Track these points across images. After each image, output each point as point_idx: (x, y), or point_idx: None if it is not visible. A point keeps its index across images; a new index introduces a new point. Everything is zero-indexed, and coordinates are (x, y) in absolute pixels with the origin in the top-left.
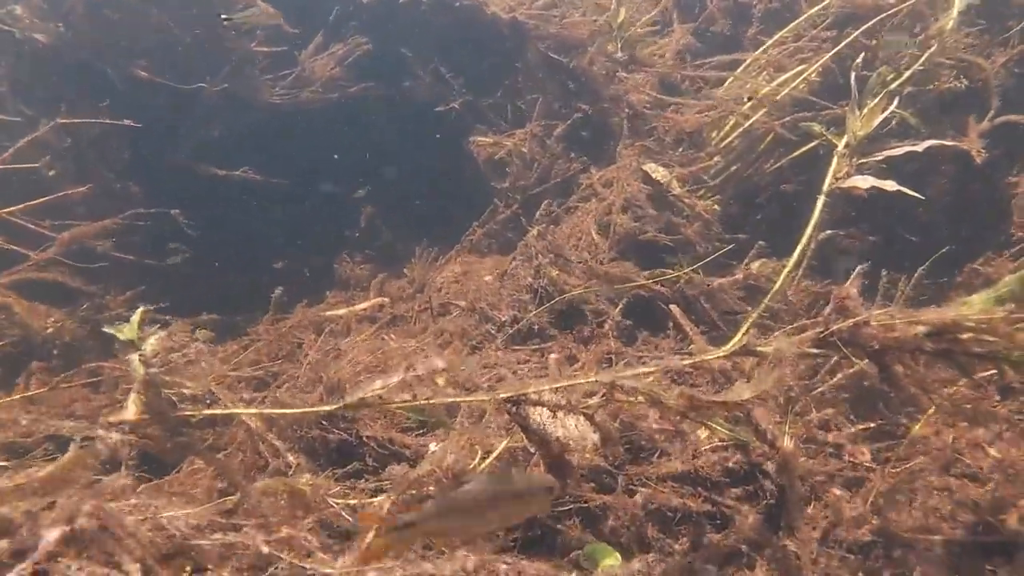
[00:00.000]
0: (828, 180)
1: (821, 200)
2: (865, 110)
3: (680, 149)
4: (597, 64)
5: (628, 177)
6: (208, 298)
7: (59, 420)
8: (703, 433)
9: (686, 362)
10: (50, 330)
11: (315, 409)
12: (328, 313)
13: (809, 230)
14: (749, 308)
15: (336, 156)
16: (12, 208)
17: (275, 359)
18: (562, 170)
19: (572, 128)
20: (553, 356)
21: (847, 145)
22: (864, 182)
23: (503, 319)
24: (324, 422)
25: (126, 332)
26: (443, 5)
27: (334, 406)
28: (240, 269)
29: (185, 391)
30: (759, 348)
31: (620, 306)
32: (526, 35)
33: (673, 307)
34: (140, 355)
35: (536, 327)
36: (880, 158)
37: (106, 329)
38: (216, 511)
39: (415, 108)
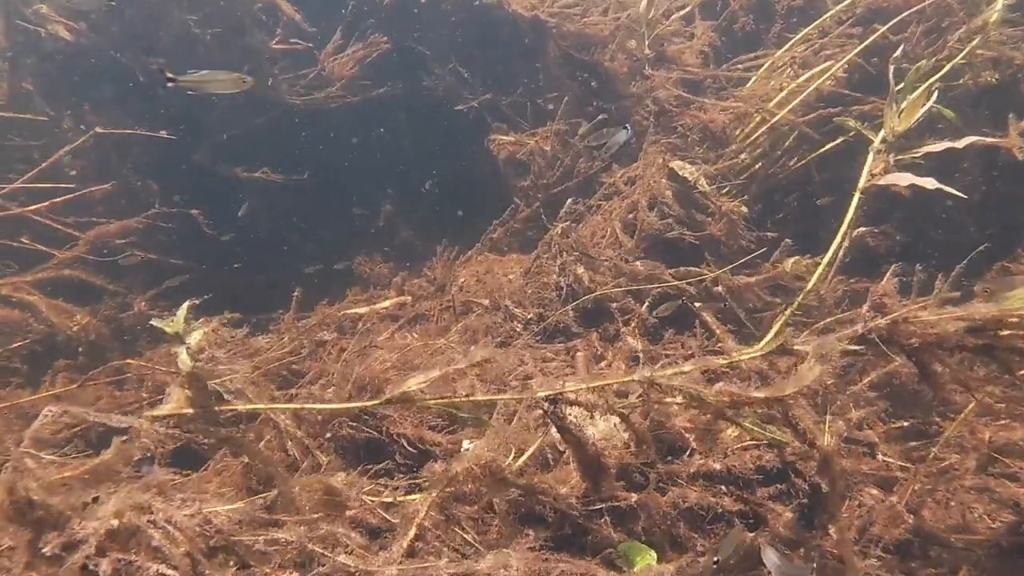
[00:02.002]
0: (864, 177)
1: (856, 197)
2: (904, 104)
3: (705, 146)
4: (618, 61)
5: (654, 174)
6: (230, 297)
7: (102, 413)
8: (733, 432)
9: (722, 361)
10: (75, 328)
11: (350, 405)
12: (349, 311)
13: (844, 227)
14: (779, 300)
15: (355, 155)
16: (36, 206)
17: (298, 357)
18: (584, 168)
19: (595, 126)
20: (580, 354)
21: (883, 141)
22: (903, 180)
23: (528, 317)
24: (354, 420)
25: (173, 325)
26: (463, 3)
27: (375, 402)
28: (260, 268)
29: (226, 385)
30: (797, 346)
31: (646, 304)
32: (547, 33)
33: (700, 306)
34: (187, 347)
35: (561, 325)
36: (919, 155)
37: (154, 323)
38: (257, 506)
39: (434, 107)
